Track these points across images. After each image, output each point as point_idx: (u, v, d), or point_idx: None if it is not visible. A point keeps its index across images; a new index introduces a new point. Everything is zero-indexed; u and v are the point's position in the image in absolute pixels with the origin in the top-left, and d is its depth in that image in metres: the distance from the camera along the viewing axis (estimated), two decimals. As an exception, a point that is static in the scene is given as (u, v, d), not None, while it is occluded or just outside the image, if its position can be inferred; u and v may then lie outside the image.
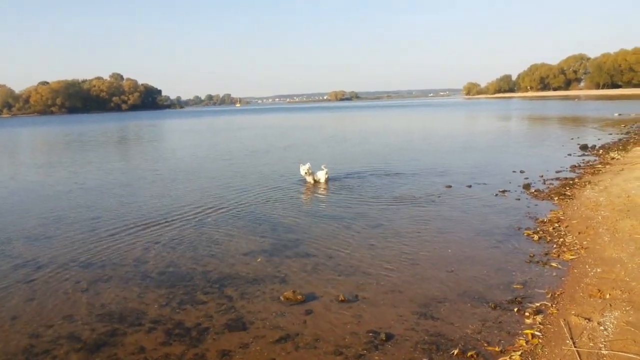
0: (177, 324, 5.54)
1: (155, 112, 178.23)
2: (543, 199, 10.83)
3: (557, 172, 14.31)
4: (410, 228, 9.03)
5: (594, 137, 24.07)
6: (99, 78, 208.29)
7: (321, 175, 14.06)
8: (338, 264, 7.24)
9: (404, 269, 6.92)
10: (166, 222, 10.21)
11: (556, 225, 8.73)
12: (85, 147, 32.73)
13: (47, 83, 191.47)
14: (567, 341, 4.68)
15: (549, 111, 58.57)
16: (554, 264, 6.84)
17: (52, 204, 12.77)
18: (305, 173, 13.83)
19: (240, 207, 11.40)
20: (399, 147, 24.23)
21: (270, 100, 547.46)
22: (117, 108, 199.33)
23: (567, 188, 11.72)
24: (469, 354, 4.59)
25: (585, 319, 5.07)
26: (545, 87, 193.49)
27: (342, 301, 5.89)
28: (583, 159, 16.64)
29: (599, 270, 6.42)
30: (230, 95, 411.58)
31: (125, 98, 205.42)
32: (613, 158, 16.14)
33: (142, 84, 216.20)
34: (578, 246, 7.47)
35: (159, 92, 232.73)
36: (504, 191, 11.74)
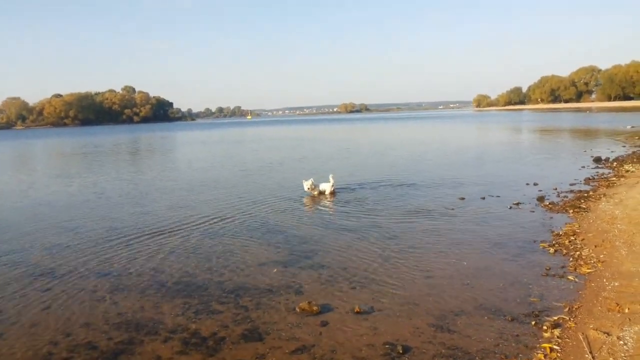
0: (194, 333, 5.57)
1: (167, 124, 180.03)
2: (558, 212, 10.76)
3: (571, 184, 14.20)
4: (425, 240, 9.01)
5: (607, 150, 23.88)
6: (111, 91, 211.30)
7: (326, 187, 14.09)
8: (353, 276, 7.24)
9: (419, 281, 6.90)
10: (182, 232, 10.29)
11: (572, 238, 8.67)
12: (101, 158, 33.14)
13: (61, 95, 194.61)
14: (586, 355, 4.63)
15: (561, 123, 58.28)
16: (570, 277, 6.78)
17: (70, 213, 12.93)
18: (309, 188, 13.91)
19: (255, 218, 11.46)
20: (411, 158, 24.24)
21: (280, 112, 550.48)
22: (129, 120, 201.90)
23: (582, 201, 11.64)
24: (487, 367, 4.57)
25: (604, 333, 5.02)
26: (556, 99, 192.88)
27: (357, 313, 5.88)
28: (597, 172, 16.52)
29: (617, 284, 6.36)
30: (240, 107, 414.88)
31: (137, 110, 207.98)
32: (628, 171, 16.00)
33: (153, 97, 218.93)
34: (595, 259, 7.40)
35: (171, 104, 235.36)
36: (518, 204, 11.67)
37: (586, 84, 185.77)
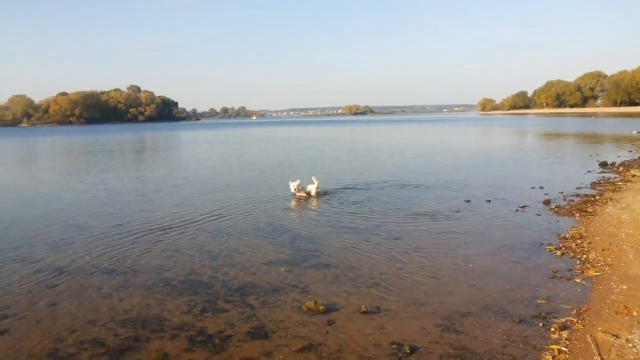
0: (200, 331, 5.56)
1: (172, 123, 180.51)
2: (564, 215, 10.72)
3: (577, 188, 14.16)
4: (430, 241, 8.99)
5: (613, 155, 23.81)
6: (116, 89, 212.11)
7: (311, 188, 14.07)
8: (359, 276, 7.22)
9: (425, 282, 6.88)
10: (189, 229, 10.32)
11: (579, 241, 8.63)
12: (109, 156, 33.24)
13: (66, 94, 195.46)
14: (595, 357, 4.61)
15: (566, 128, 58.11)
16: (578, 280, 6.75)
17: (78, 210, 12.97)
18: (295, 189, 13.92)
19: (261, 217, 11.49)
20: (416, 160, 24.22)
21: (284, 113, 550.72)
22: (134, 119, 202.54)
23: (588, 205, 11.59)
24: (495, 368, 4.55)
25: (613, 335, 4.99)
26: (561, 104, 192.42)
27: (364, 312, 5.87)
28: (603, 176, 16.45)
29: (624, 287, 6.33)
30: (245, 108, 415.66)
31: (142, 110, 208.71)
32: (634, 175, 15.93)
33: (158, 96, 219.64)
34: (602, 263, 7.37)
35: (176, 104, 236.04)
36: (524, 207, 11.64)
37: (592, 89, 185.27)
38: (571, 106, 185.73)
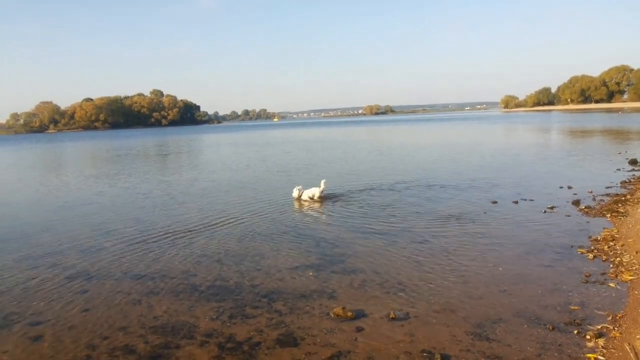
0: (229, 337, 5.58)
1: (195, 127, 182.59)
2: (594, 216, 10.47)
3: (607, 187, 13.82)
4: (458, 244, 8.87)
5: (644, 152, 23.17)
6: (140, 94, 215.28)
7: (315, 192, 14.03)
8: (386, 281, 7.16)
9: (455, 287, 6.78)
10: (215, 233, 10.42)
11: (611, 243, 8.41)
12: (138, 160, 33.76)
13: (91, 99, 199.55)
14: (634, 366, 4.47)
15: (592, 124, 56.81)
16: (612, 285, 6.58)
17: (108, 214, 13.23)
18: (298, 195, 14.01)
19: (286, 220, 11.56)
20: (441, 160, 23.94)
21: (305, 114, 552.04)
22: (158, 123, 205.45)
23: (620, 205, 11.30)
24: (530, 377, 4.45)
25: (652, 343, 4.84)
26: (586, 99, 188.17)
27: (392, 319, 5.81)
28: (633, 174, 16.04)
29: (662, 291, 6.14)
30: (266, 110, 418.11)
31: (165, 114, 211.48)
32: (666, 173, 15.48)
33: (181, 100, 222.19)
34: (637, 266, 7.16)
35: (198, 107, 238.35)
36: (552, 207, 11.40)
37: (618, 83, 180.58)
38: (596, 102, 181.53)
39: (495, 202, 12.37)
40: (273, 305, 6.47)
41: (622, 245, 8.28)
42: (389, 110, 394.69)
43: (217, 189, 17.35)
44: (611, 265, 7.34)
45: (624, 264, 7.36)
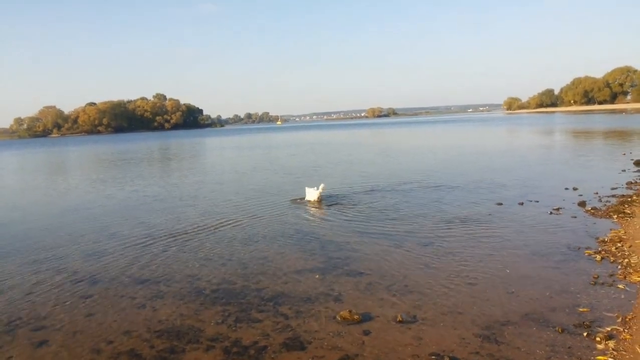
0: (235, 342, 5.54)
1: (198, 130, 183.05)
2: (601, 217, 10.39)
3: (613, 188, 13.74)
4: (463, 246, 8.81)
5: (649, 152, 23.05)
6: (143, 98, 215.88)
7: (314, 194, 14.01)
8: (392, 283, 7.11)
9: (461, 289, 6.73)
10: (219, 236, 10.38)
11: (619, 244, 8.34)
12: (143, 164, 33.79)
13: (94, 104, 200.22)
14: (646, 369, 4.41)
15: (596, 125, 56.62)
16: (620, 286, 6.51)
17: (116, 217, 13.22)
18: (318, 197, 13.99)
19: (290, 223, 11.52)
20: (446, 162, 23.90)
21: (307, 117, 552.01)
22: (161, 127, 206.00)
23: (626, 206, 11.22)
24: (540, 380, 4.39)
25: (664, 345, 4.77)
26: (589, 101, 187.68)
27: (400, 322, 5.76)
28: (639, 175, 15.94)
29: (672, 293, 6.07)
30: (268, 113, 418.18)
31: (168, 117, 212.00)
32: (672, 174, 15.38)
33: (183, 104, 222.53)
34: (646, 267, 7.09)
35: (200, 111, 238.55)
36: (558, 209, 11.33)
37: (621, 85, 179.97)
38: (600, 103, 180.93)
39: (500, 204, 12.30)
40: (279, 308, 6.42)
41: (630, 246, 8.21)
42: (391, 113, 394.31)
43: (224, 191, 17.38)
44: (619, 267, 7.27)
45: (632, 265, 7.29)
